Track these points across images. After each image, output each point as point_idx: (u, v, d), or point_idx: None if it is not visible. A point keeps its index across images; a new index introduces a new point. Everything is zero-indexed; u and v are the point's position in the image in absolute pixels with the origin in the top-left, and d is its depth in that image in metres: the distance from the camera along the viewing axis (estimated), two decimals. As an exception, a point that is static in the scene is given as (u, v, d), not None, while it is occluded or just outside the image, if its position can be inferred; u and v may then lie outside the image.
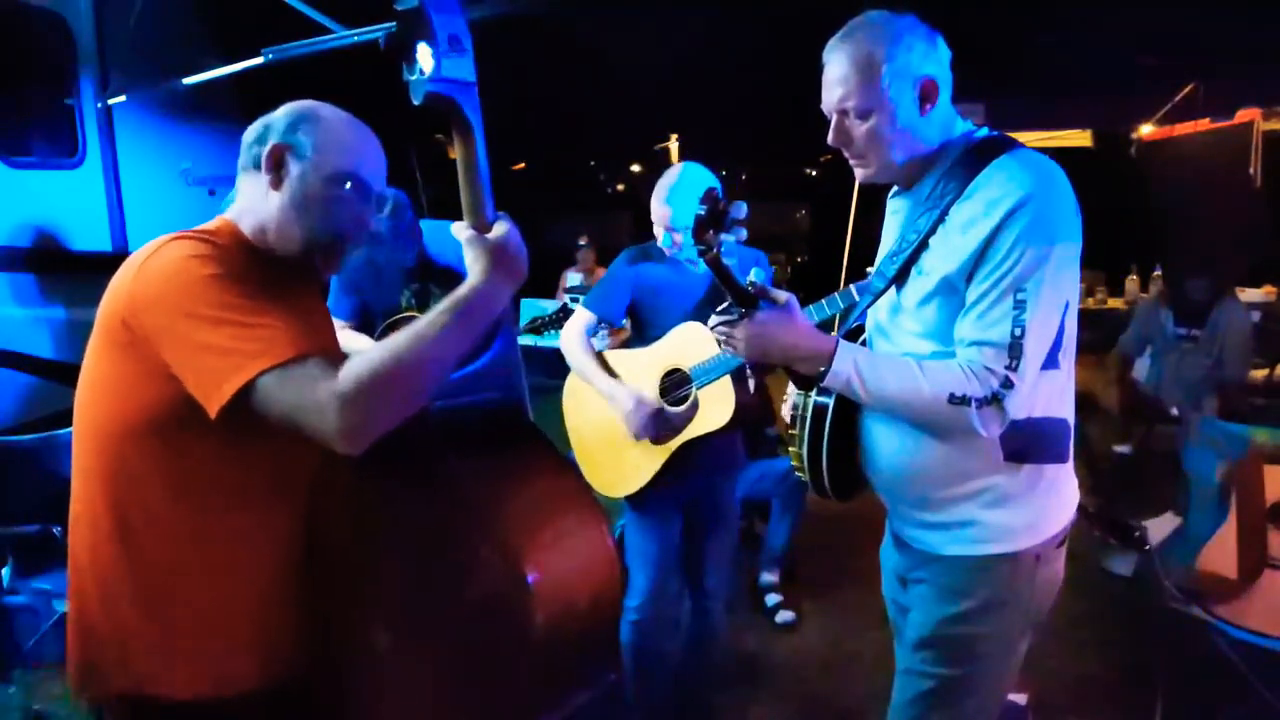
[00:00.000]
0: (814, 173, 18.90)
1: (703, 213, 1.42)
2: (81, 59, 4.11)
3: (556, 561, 1.31)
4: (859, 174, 1.54)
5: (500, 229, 1.25)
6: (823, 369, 1.47)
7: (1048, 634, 2.98)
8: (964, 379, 1.40)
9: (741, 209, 1.46)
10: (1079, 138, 8.43)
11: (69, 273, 3.93)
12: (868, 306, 1.64)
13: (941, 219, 1.47)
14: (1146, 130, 7.55)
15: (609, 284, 2.57)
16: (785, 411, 1.71)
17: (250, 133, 1.35)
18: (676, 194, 2.37)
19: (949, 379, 1.41)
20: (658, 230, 2.42)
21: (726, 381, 2.35)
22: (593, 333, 2.58)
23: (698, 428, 2.39)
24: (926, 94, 1.47)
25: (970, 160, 1.47)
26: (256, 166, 1.32)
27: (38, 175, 3.99)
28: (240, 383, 1.13)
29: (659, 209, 2.40)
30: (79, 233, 4.00)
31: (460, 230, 1.25)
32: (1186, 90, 6.85)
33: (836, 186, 10.92)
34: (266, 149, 1.30)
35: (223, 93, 4.36)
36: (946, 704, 1.60)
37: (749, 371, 1.76)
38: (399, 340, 1.16)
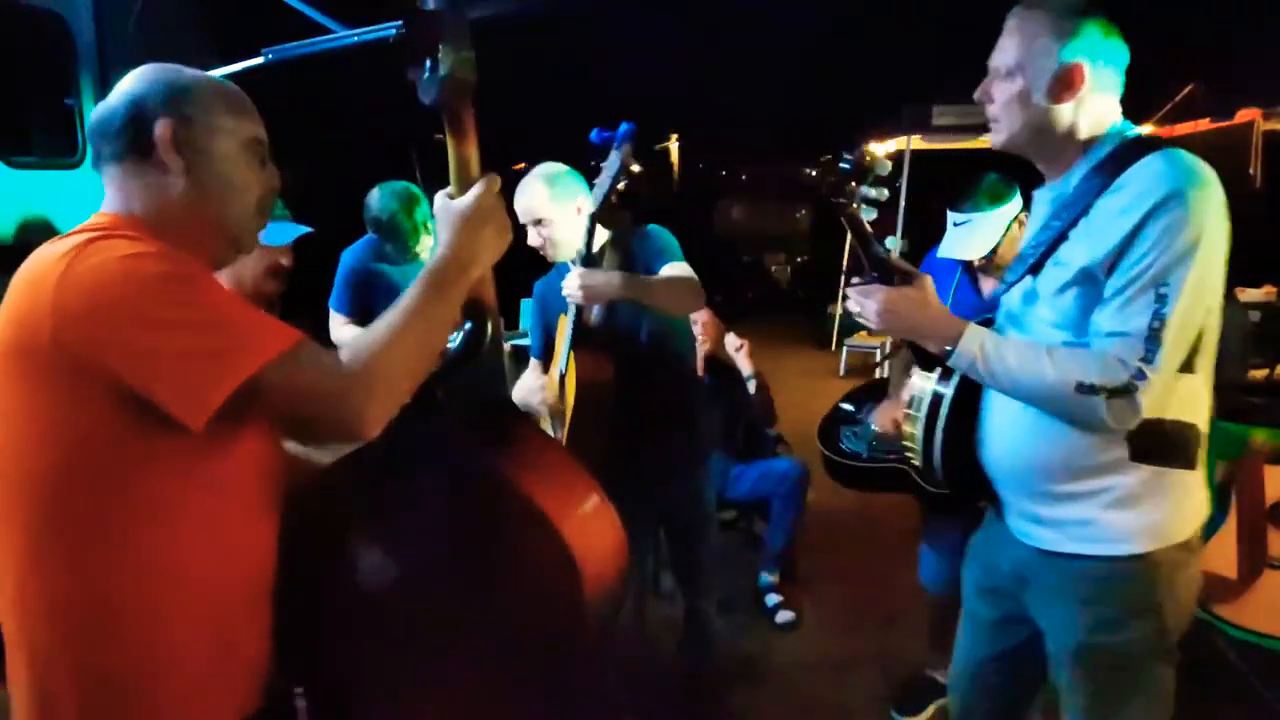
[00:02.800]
0: (814, 173, 18.90)
1: (848, 165, 1.41)
2: (81, 59, 4.11)
3: (593, 542, 1.27)
4: (991, 138, 1.55)
5: (465, 196, 1.21)
6: (949, 348, 1.47)
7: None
8: (1095, 367, 1.37)
9: (886, 166, 1.47)
10: (1079, 138, 8.43)
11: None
12: (1002, 294, 1.63)
13: (1085, 211, 1.45)
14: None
15: (531, 330, 2.63)
16: (904, 395, 1.70)
17: (108, 115, 1.16)
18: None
19: (1078, 366, 1.38)
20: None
21: (570, 364, 2.29)
22: None
23: (567, 413, 2.33)
24: (1068, 81, 1.46)
25: (1120, 156, 1.45)
26: (138, 154, 1.15)
27: (38, 175, 3.99)
28: (236, 383, 1.01)
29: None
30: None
31: (439, 199, 1.24)
32: (1186, 90, 6.86)
33: (836, 186, 10.94)
34: (156, 131, 1.13)
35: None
36: (1110, 714, 1.56)
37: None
38: (388, 317, 1.12)
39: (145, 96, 1.16)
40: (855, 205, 1.43)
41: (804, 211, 14.36)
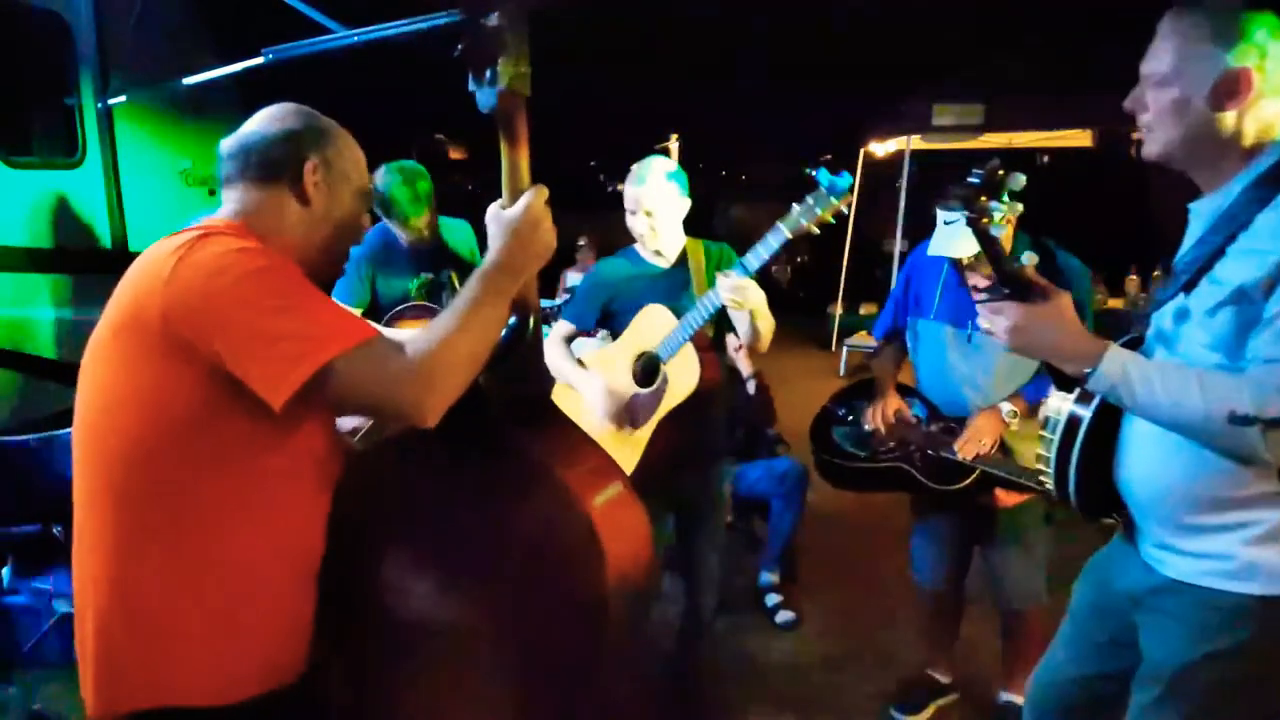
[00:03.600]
0: (814, 173, 18.91)
1: (978, 180, 1.38)
2: (81, 59, 4.11)
3: (622, 533, 1.30)
4: (1145, 148, 1.48)
5: (515, 207, 1.30)
6: (1088, 370, 1.40)
7: (1048, 634, 2.97)
8: (1251, 396, 1.28)
9: (1019, 180, 1.43)
10: (1079, 138, 8.44)
11: (69, 273, 3.93)
12: (1153, 311, 1.55)
13: (1245, 226, 1.37)
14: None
15: (579, 296, 2.70)
16: (1041, 415, 1.61)
17: (258, 140, 1.33)
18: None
19: (1232, 395, 1.29)
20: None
21: (689, 350, 2.38)
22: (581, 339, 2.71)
23: (669, 401, 2.42)
24: (1232, 87, 1.37)
25: None
26: (277, 178, 1.32)
27: (38, 175, 3.99)
28: (315, 367, 1.14)
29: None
30: (79, 233, 4.00)
31: (491, 209, 1.33)
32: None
33: (836, 186, 10.92)
34: (306, 165, 1.32)
35: (223, 93, 4.36)
36: None
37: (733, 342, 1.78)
38: (445, 316, 1.23)
39: (302, 133, 1.34)
40: (984, 219, 1.39)
41: (804, 211, 14.34)
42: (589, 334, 2.74)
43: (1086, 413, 1.51)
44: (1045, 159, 10.27)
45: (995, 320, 1.46)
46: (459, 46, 1.26)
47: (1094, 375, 1.40)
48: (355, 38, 2.57)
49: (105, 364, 1.24)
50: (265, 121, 1.35)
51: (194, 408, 1.19)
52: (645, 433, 2.46)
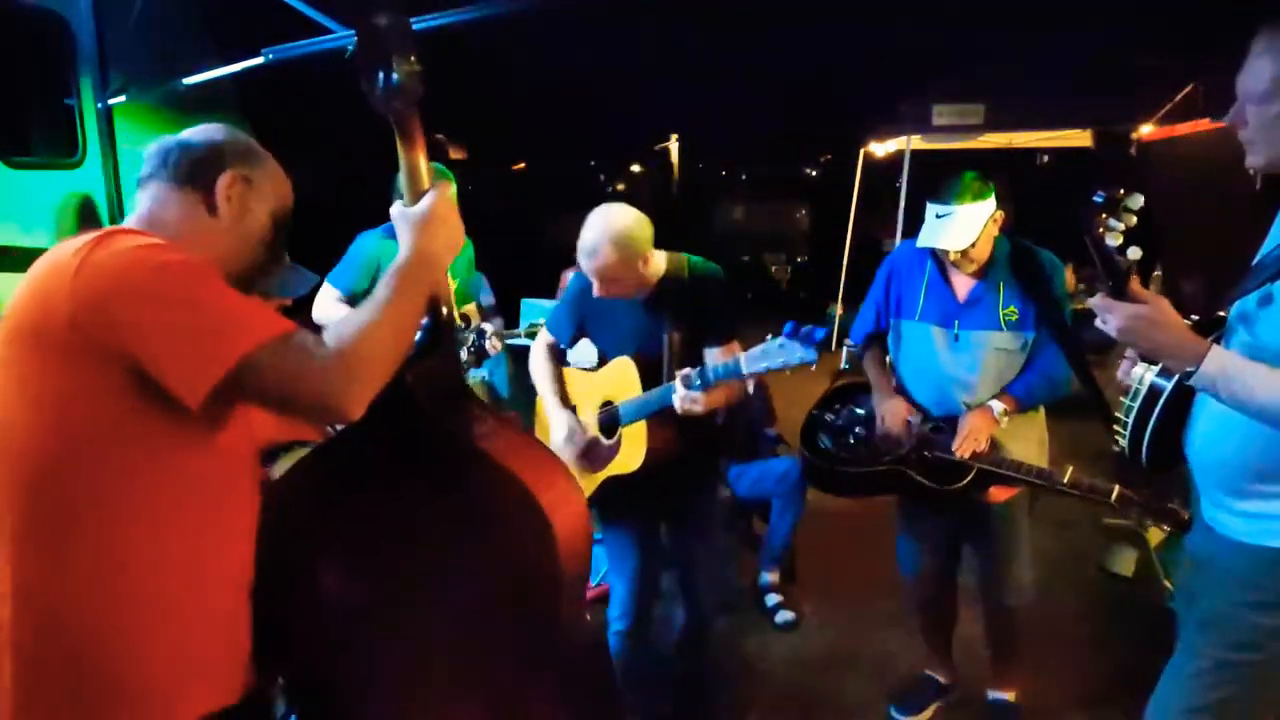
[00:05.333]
0: (814, 173, 18.92)
1: (1101, 199, 1.49)
2: (81, 59, 4.11)
3: (568, 512, 1.33)
4: (1249, 159, 1.56)
5: (420, 203, 1.31)
6: (1190, 369, 1.49)
7: (1047, 634, 2.98)
8: None
9: (1138, 199, 1.52)
10: (1079, 138, 8.44)
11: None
12: (1237, 298, 1.64)
13: None
14: (1146, 130, 7.56)
15: (559, 307, 2.65)
16: (1120, 372, 1.76)
17: (182, 145, 1.32)
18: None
19: None
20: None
21: (642, 426, 2.35)
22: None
23: (614, 468, 2.42)
24: None
25: None
26: (190, 184, 1.29)
27: (38, 175, 3.99)
28: (233, 361, 1.10)
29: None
30: (79, 233, 4.00)
31: (395, 207, 1.34)
32: (1186, 90, 6.86)
33: (836, 186, 10.92)
34: (224, 176, 1.30)
35: (223, 93, 4.36)
36: (1217, 685, 1.60)
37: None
38: (364, 309, 1.22)
39: (223, 146, 1.32)
40: (1101, 231, 1.49)
41: (804, 211, 14.35)
42: (568, 348, 2.66)
43: (1168, 385, 1.66)
44: (1045, 159, 10.28)
45: (1107, 318, 1.54)
46: (348, 49, 1.26)
47: (1196, 374, 1.49)
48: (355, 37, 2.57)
49: (2, 375, 1.15)
50: (195, 132, 1.35)
51: (108, 411, 1.13)
52: (593, 481, 2.45)
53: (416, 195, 1.32)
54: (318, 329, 1.29)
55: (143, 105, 4.27)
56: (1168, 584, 3.22)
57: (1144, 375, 1.70)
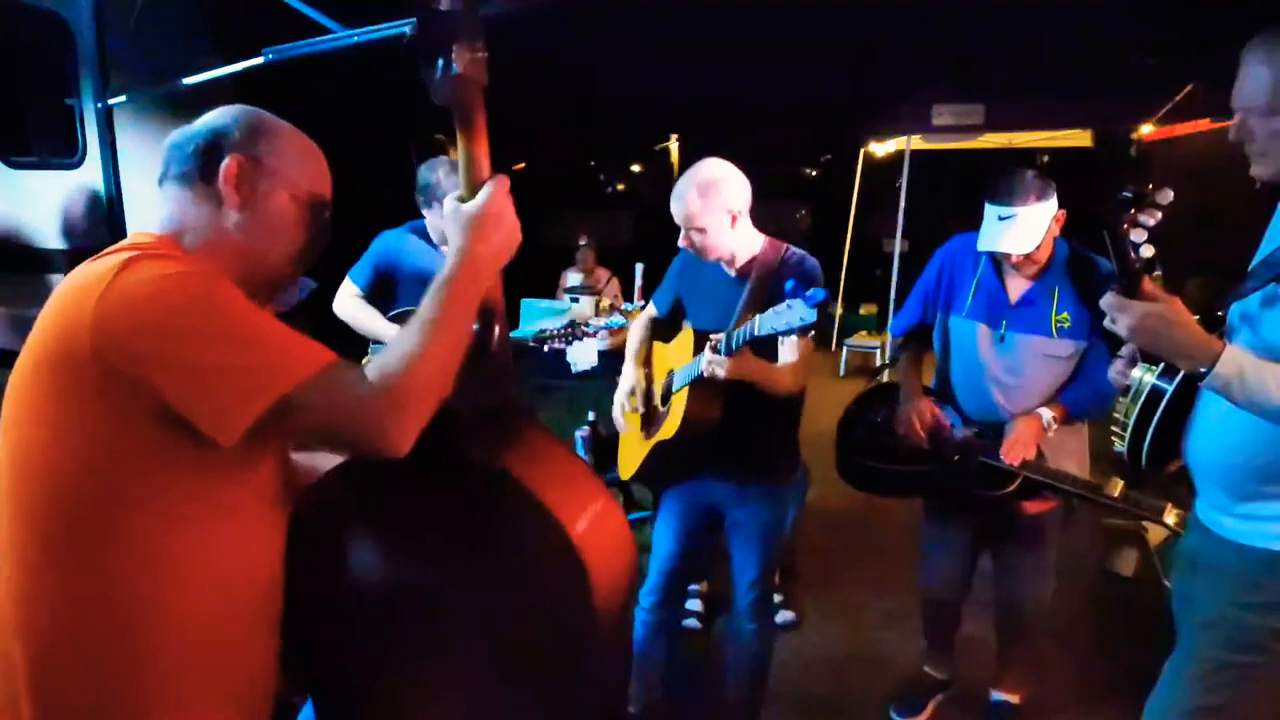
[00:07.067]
0: (814, 173, 18.92)
1: (1130, 195, 1.49)
2: (81, 59, 4.11)
3: (602, 542, 1.25)
4: (1254, 170, 1.57)
5: (475, 200, 1.21)
6: (1203, 369, 1.48)
7: (1048, 634, 2.98)
8: None
9: (1168, 195, 1.53)
10: (1079, 138, 8.43)
11: (69, 274, 3.94)
12: (1237, 299, 1.64)
13: None
14: (1146, 130, 7.55)
15: (664, 280, 2.71)
16: (1113, 372, 1.76)
17: (186, 139, 1.22)
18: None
19: None
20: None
21: (682, 395, 2.35)
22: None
23: (660, 434, 2.44)
24: None
25: None
26: (203, 181, 1.20)
27: (38, 175, 3.99)
28: (270, 402, 1.03)
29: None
30: (79, 233, 4.00)
31: (448, 203, 1.24)
32: (1186, 90, 6.85)
33: (836, 186, 10.92)
34: (226, 161, 1.19)
35: (223, 93, 4.36)
36: (1217, 686, 1.60)
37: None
38: (408, 332, 1.13)
39: (226, 129, 1.21)
40: (1125, 227, 1.50)
41: (804, 211, 14.36)
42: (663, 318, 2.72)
43: (1169, 387, 1.65)
44: (1045, 159, 10.26)
45: (1118, 316, 1.53)
46: (407, 35, 1.21)
47: (1210, 374, 1.48)
48: (355, 38, 2.57)
49: (27, 400, 1.09)
50: (200, 120, 1.25)
51: (127, 447, 1.07)
52: (645, 446, 2.52)
53: (474, 188, 1.21)
54: (338, 325, 1.22)
55: (143, 105, 4.27)
56: (1168, 584, 3.22)
57: (1143, 377, 1.69)
